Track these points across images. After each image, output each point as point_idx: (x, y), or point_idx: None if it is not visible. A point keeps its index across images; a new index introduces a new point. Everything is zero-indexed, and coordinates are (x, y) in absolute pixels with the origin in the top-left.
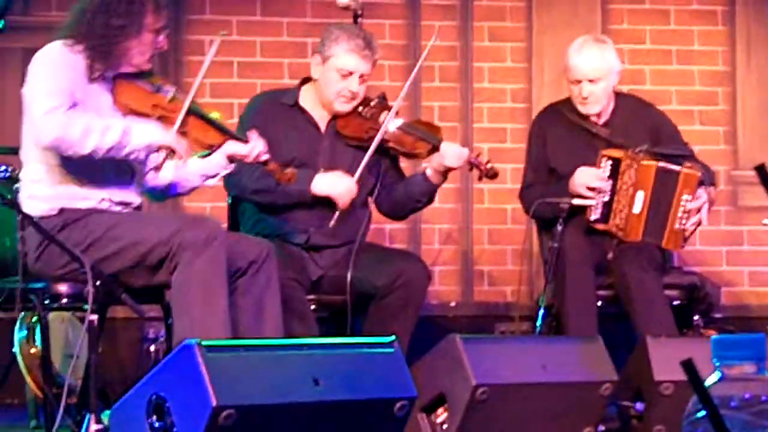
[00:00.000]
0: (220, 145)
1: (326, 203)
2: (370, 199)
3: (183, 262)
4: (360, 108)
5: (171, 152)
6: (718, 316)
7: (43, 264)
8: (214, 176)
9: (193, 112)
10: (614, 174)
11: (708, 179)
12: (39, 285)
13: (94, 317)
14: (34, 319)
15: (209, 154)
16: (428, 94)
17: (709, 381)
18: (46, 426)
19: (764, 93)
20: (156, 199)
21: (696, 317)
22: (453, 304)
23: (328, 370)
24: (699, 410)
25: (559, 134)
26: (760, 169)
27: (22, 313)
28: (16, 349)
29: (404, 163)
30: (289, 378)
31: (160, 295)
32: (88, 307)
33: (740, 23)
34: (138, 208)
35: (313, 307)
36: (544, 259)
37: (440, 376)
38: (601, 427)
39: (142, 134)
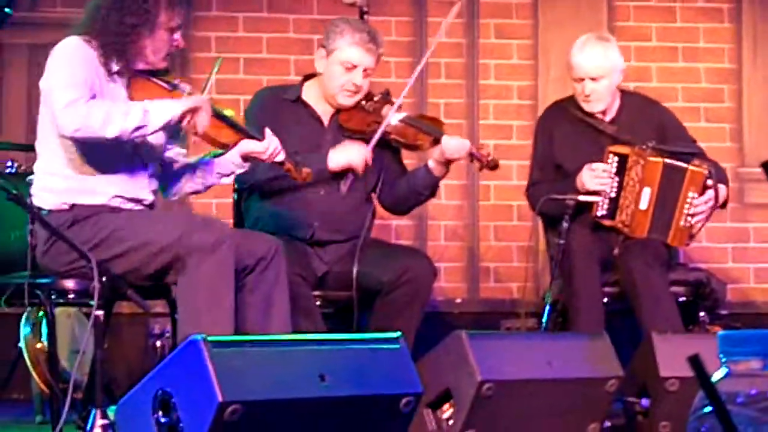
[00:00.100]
0: (235, 144)
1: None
2: (374, 195)
3: (190, 266)
4: (363, 102)
5: (193, 113)
6: (723, 312)
7: (50, 259)
8: (229, 175)
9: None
10: (621, 170)
11: (716, 176)
12: (46, 280)
13: (100, 313)
14: (40, 314)
15: (224, 153)
16: (434, 91)
17: (716, 377)
18: (52, 421)
19: None
20: (168, 197)
21: (702, 314)
22: (459, 300)
23: (333, 365)
24: (705, 406)
25: (565, 131)
26: (766, 165)
27: (28, 308)
28: (21, 344)
29: (410, 160)
30: (294, 373)
31: (165, 290)
32: (94, 302)
33: (746, 20)
34: (151, 205)
35: (318, 302)
36: (550, 256)
37: (446, 372)
38: (607, 423)
39: (162, 111)
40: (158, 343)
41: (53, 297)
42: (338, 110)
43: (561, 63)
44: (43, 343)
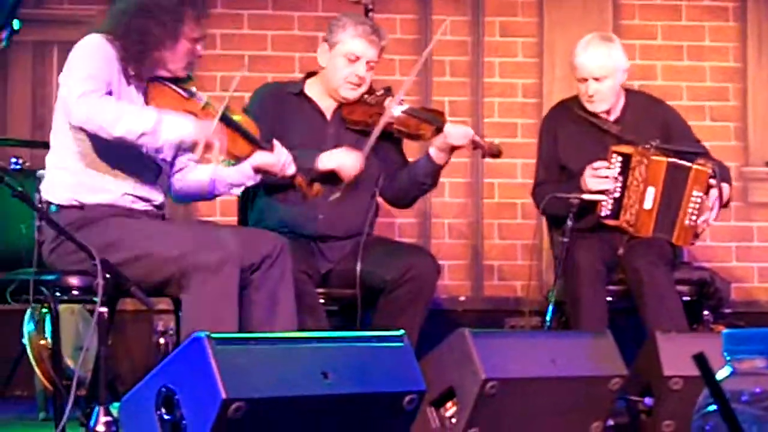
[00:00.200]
0: (247, 156)
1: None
2: (377, 191)
3: (194, 284)
4: (365, 96)
5: (207, 147)
6: (727, 311)
7: (57, 257)
8: (239, 186)
9: (225, 121)
10: (625, 170)
11: (720, 175)
12: (50, 277)
13: (104, 310)
14: (44, 311)
15: (235, 164)
16: (439, 88)
17: (720, 375)
18: (55, 418)
19: None
20: (179, 201)
21: (705, 313)
22: (462, 298)
23: (337, 363)
24: (710, 404)
25: (570, 131)
26: None
27: (32, 305)
28: (25, 341)
29: (412, 158)
30: (298, 371)
31: None
32: (98, 299)
33: (752, 19)
34: (160, 206)
35: (322, 300)
36: (555, 254)
37: (449, 370)
38: (610, 422)
39: (175, 127)
40: (162, 340)
41: (57, 294)
42: (341, 105)
43: (566, 61)
44: (46, 340)
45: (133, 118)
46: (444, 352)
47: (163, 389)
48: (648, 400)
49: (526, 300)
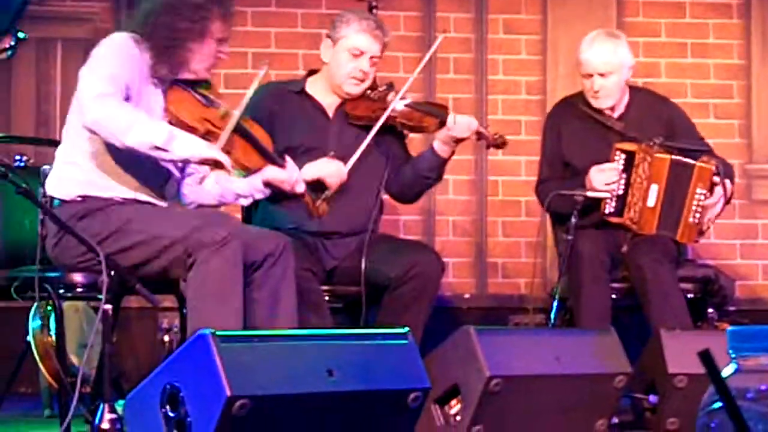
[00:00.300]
0: (258, 169)
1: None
2: (381, 188)
3: (199, 261)
4: (368, 92)
5: (215, 165)
6: (731, 308)
7: (60, 251)
8: (247, 197)
9: (239, 131)
10: (628, 167)
11: (724, 172)
12: (54, 274)
13: (109, 307)
14: (49, 308)
15: (246, 175)
16: (443, 85)
17: (725, 373)
18: (60, 415)
19: None
20: (187, 206)
21: (710, 310)
22: (467, 296)
23: (341, 360)
24: (715, 401)
25: (574, 128)
26: None
27: (37, 302)
28: (30, 338)
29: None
30: (302, 368)
31: (174, 285)
32: (102, 296)
33: (756, 16)
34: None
35: (327, 297)
36: (558, 252)
37: (454, 367)
38: (615, 420)
39: (186, 145)
40: (167, 338)
41: (62, 291)
42: (343, 102)
43: (569, 58)
44: (51, 337)
45: (144, 129)
46: (448, 350)
47: (168, 387)
48: (652, 398)
49: (530, 297)
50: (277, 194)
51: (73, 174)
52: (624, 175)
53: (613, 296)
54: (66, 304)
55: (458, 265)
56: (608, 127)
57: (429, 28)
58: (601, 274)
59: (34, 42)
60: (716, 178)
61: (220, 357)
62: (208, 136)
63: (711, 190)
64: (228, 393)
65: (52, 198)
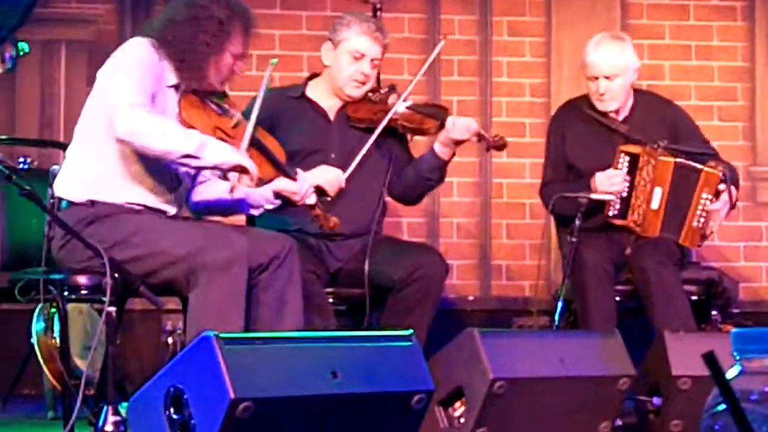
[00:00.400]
0: (270, 180)
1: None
2: (384, 190)
3: (201, 284)
4: (370, 94)
5: (242, 172)
6: (735, 311)
7: (66, 253)
8: (258, 207)
9: (253, 143)
10: (632, 170)
11: (730, 178)
12: (59, 276)
13: (113, 309)
14: (53, 310)
15: (257, 186)
16: (447, 88)
17: (730, 375)
18: (64, 417)
19: None
20: (196, 213)
21: (714, 312)
22: (471, 298)
23: (345, 362)
24: (719, 404)
25: (578, 131)
26: None
27: (40, 304)
28: (34, 340)
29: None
30: (306, 370)
31: None
32: (106, 298)
33: (760, 19)
34: (173, 217)
35: (330, 299)
36: (563, 254)
37: (458, 369)
38: (619, 422)
39: (217, 153)
40: (170, 340)
41: (66, 293)
42: (344, 104)
43: (574, 61)
44: (55, 339)
45: (176, 138)
46: (452, 352)
47: (172, 389)
48: (656, 400)
49: (535, 300)
50: (287, 205)
51: (83, 175)
52: (628, 178)
53: (617, 299)
54: (70, 306)
55: (462, 267)
56: (613, 129)
57: (433, 31)
58: (606, 276)
59: (39, 44)
60: (722, 186)
61: (224, 359)
62: None
63: (716, 196)
64: (232, 395)
65: (61, 199)
